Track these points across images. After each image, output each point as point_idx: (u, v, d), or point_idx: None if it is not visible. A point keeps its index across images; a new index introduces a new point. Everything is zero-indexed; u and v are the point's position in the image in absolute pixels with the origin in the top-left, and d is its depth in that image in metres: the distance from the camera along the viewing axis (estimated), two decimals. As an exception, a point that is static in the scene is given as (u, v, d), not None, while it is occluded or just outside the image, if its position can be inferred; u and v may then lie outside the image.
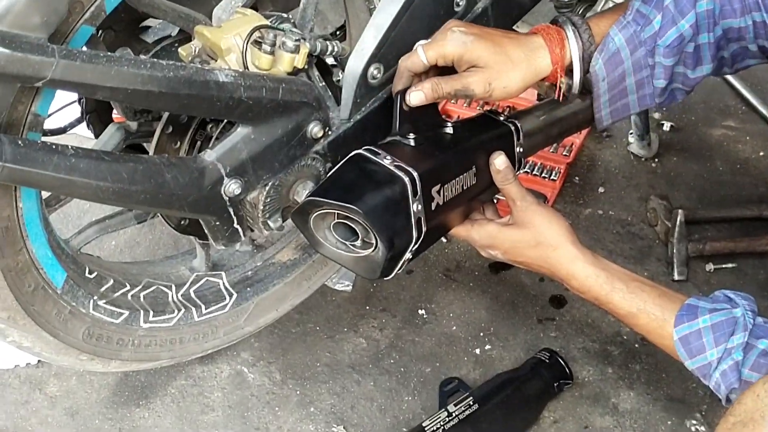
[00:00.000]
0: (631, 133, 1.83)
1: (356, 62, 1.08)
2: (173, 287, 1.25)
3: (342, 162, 1.02)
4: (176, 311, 1.26)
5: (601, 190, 1.77)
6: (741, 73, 1.93)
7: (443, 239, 1.65)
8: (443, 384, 1.44)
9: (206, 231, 1.09)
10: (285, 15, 1.08)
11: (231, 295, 1.31)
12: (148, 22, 1.20)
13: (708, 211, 1.70)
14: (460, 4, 1.16)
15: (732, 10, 1.07)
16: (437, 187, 1.03)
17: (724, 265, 1.59)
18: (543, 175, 1.74)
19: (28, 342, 1.09)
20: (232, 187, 1.03)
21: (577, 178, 1.78)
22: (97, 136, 1.23)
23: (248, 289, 1.34)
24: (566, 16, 1.11)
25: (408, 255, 1.03)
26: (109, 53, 0.87)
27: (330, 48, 1.08)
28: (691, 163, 1.81)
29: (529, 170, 1.75)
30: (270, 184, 1.06)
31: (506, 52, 1.05)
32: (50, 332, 1.09)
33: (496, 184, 1.14)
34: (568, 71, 1.10)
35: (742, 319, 0.99)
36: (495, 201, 1.20)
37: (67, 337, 1.11)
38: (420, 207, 1.00)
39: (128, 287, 1.19)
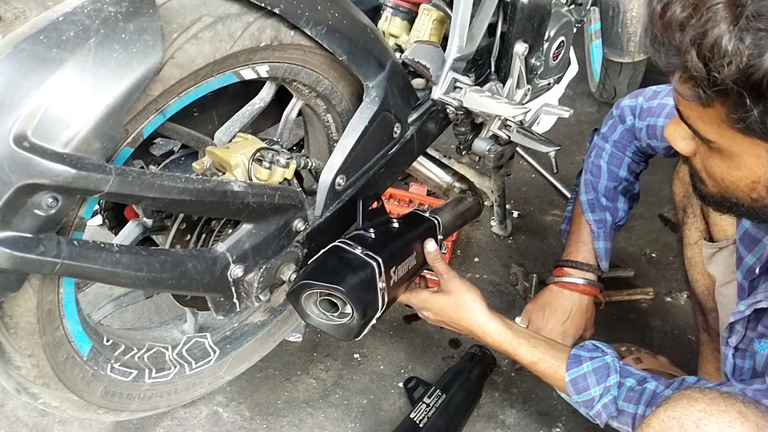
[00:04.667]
0: (493, 219, 1.87)
1: (327, 174, 1.06)
2: (169, 348, 1.14)
3: (324, 251, 0.99)
4: (173, 368, 1.15)
5: (476, 259, 1.79)
6: (560, 176, 2.05)
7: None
8: (406, 382, 1.42)
9: (210, 305, 1.01)
10: (274, 139, 1.04)
11: (215, 352, 1.22)
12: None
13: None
14: (397, 132, 1.16)
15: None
16: (393, 268, 1.02)
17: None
18: (436, 249, 1.75)
19: (56, 402, 0.95)
20: (236, 271, 0.97)
21: (459, 251, 1.80)
22: (110, 228, 1.12)
23: (228, 345, 1.25)
24: None
25: (374, 321, 1.00)
26: (151, 170, 0.80)
27: (308, 164, 1.06)
28: (534, 240, 1.87)
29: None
30: (264, 267, 1.01)
31: None
32: (76, 393, 0.96)
33: (428, 263, 1.13)
34: None
35: (613, 364, 1.01)
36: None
37: (89, 395, 0.99)
38: (383, 284, 0.98)
39: (135, 350, 1.08)
